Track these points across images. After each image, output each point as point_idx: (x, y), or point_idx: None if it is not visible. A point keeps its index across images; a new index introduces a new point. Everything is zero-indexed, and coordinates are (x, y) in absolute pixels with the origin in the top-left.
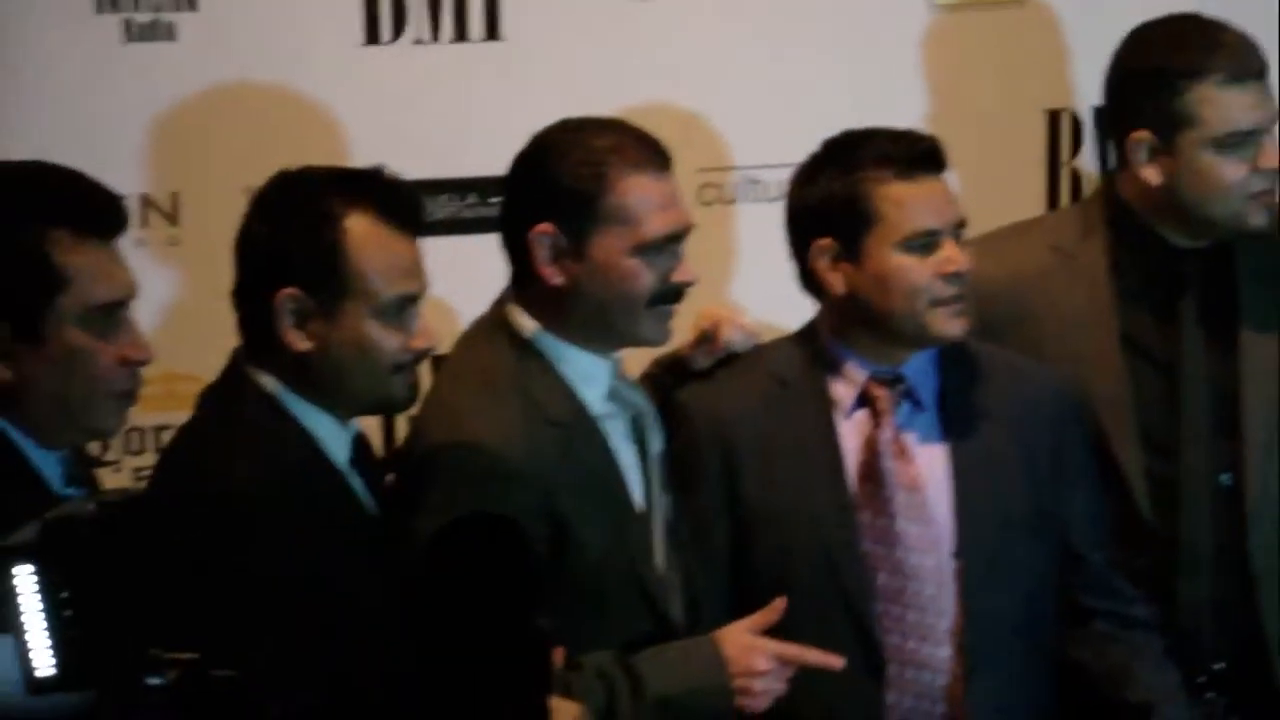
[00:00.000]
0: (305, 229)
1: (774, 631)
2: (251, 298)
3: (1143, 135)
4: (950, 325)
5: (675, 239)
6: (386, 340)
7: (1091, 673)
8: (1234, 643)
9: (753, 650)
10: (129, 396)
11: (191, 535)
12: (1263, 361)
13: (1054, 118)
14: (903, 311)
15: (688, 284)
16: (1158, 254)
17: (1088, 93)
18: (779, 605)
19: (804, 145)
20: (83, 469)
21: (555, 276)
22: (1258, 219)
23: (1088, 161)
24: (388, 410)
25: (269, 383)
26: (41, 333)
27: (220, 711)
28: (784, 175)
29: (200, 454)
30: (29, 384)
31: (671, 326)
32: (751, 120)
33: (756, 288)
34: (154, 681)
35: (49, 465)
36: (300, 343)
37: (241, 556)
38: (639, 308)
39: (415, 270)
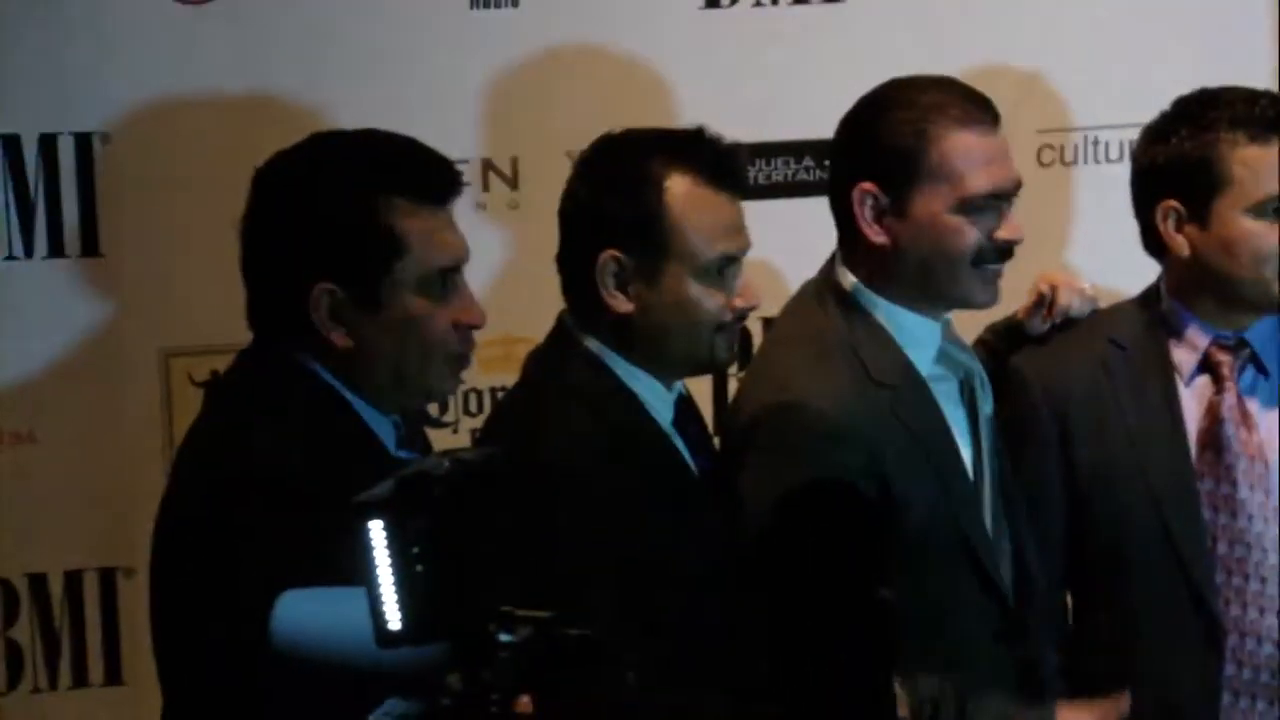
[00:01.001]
0: (625, 191)
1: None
2: (575, 261)
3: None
4: None
5: (1000, 196)
6: (707, 300)
7: None
8: None
9: None
10: (463, 359)
11: (526, 496)
12: None
13: None
14: (1251, 277)
15: (1014, 242)
16: None
17: None
18: (1123, 704)
19: (1146, 106)
20: (417, 431)
21: (878, 235)
22: None
23: None
24: (710, 370)
25: (593, 345)
26: (380, 299)
27: (573, 670)
28: (1126, 136)
29: (527, 416)
30: (367, 350)
31: (999, 288)
32: (1092, 80)
33: (1096, 251)
34: (506, 638)
35: (383, 428)
36: (622, 305)
37: (572, 517)
38: (962, 267)
39: (736, 230)
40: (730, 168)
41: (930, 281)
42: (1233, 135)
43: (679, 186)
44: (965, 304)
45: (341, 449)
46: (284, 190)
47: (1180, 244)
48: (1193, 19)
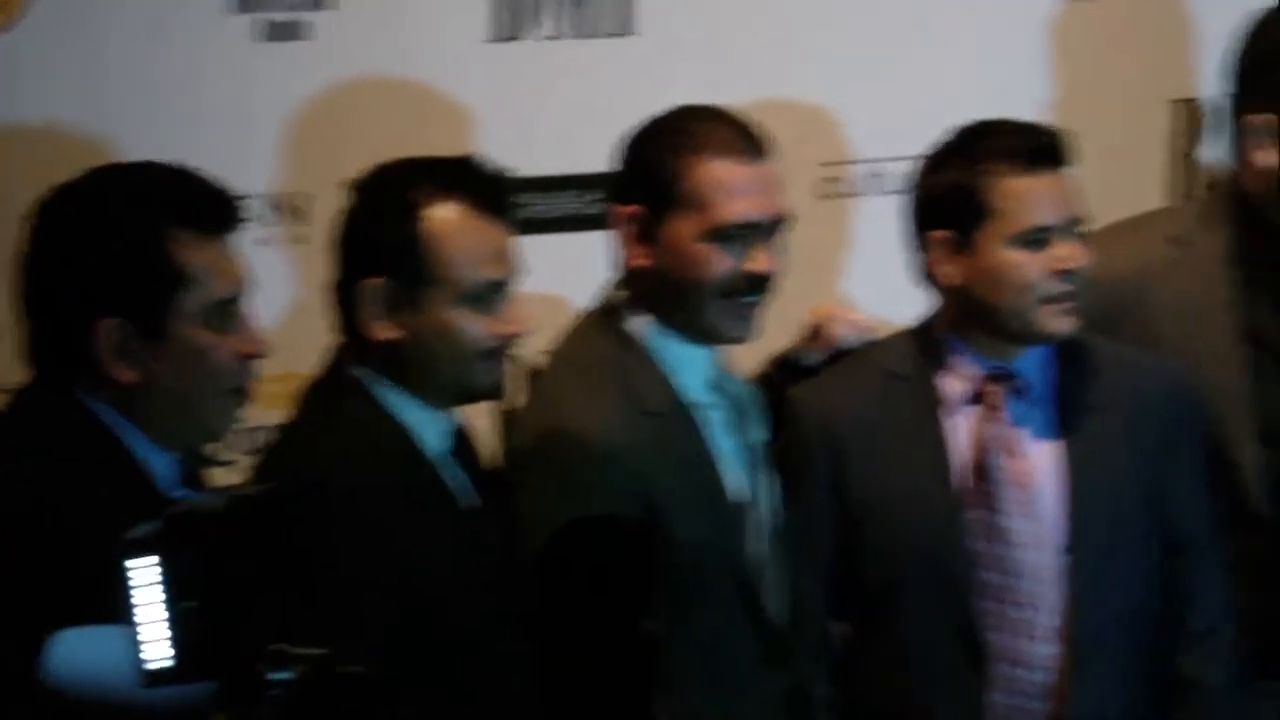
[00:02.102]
0: (387, 217)
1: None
2: (344, 289)
3: (1260, 119)
4: (1058, 323)
5: (754, 228)
6: (471, 327)
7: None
8: None
9: None
10: (243, 393)
11: (294, 531)
12: None
13: (1181, 108)
14: (1012, 307)
15: (764, 275)
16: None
17: (1214, 83)
18: None
19: (927, 137)
20: (198, 469)
21: (638, 258)
22: None
23: (1210, 154)
24: (476, 398)
25: (363, 375)
26: (165, 331)
27: (348, 708)
28: (906, 168)
29: (296, 450)
30: (152, 384)
31: (754, 321)
32: (874, 113)
33: (878, 283)
34: (278, 677)
35: (163, 465)
36: (387, 332)
37: (340, 551)
38: (710, 296)
39: (501, 256)
40: (496, 194)
41: (682, 308)
42: (997, 166)
43: (441, 212)
44: (714, 335)
45: (111, 488)
46: (66, 224)
47: (950, 274)
48: (973, 52)
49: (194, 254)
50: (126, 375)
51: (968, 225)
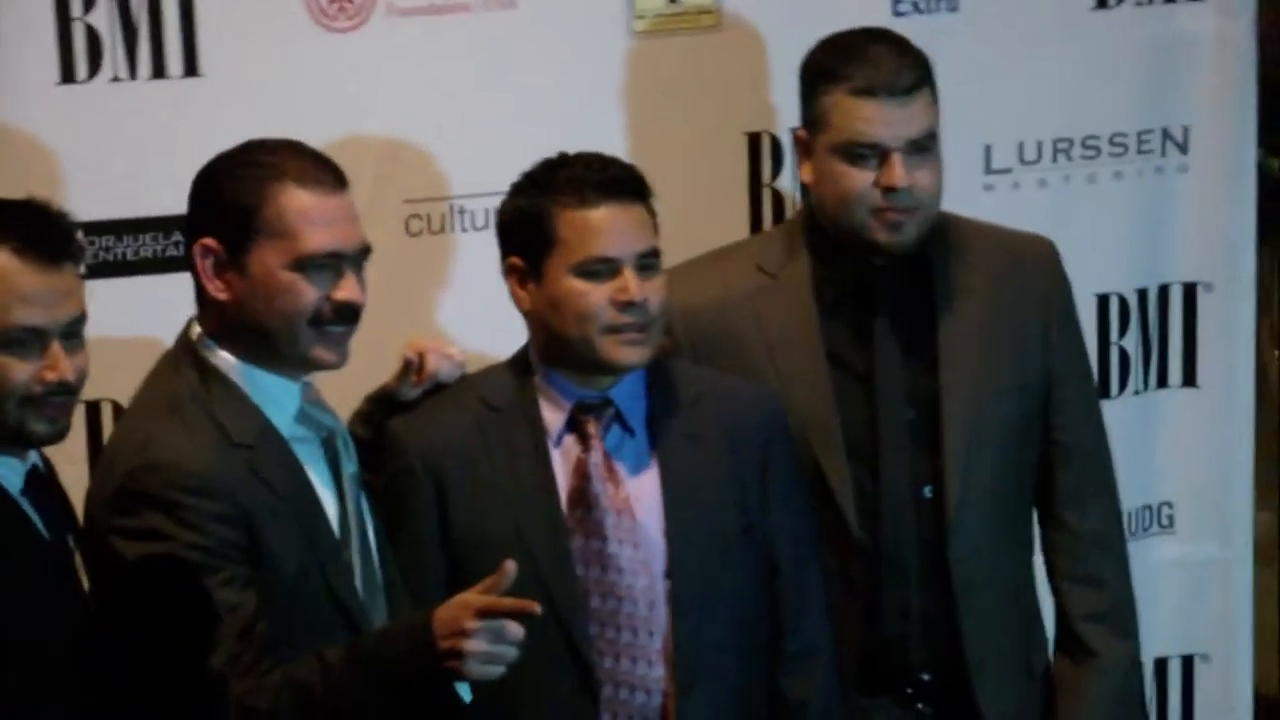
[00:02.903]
0: None
1: None
2: None
3: (801, 133)
4: (622, 353)
5: (338, 257)
6: (9, 372)
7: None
8: (940, 655)
9: (458, 608)
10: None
11: None
12: (961, 375)
13: (755, 140)
14: (576, 336)
15: (351, 303)
16: (852, 270)
17: (787, 115)
18: (508, 568)
19: (512, 173)
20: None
21: (220, 291)
22: (882, 235)
23: (789, 183)
24: (25, 443)
25: None
26: None
27: None
28: (492, 204)
29: None
30: None
31: (346, 349)
32: (459, 149)
33: (469, 317)
34: None
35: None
36: None
37: None
38: (299, 325)
39: (46, 302)
40: (49, 239)
41: (269, 338)
42: (564, 197)
43: None
44: (306, 364)
45: None
46: None
47: (523, 300)
48: (550, 89)
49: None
50: None
51: (536, 254)
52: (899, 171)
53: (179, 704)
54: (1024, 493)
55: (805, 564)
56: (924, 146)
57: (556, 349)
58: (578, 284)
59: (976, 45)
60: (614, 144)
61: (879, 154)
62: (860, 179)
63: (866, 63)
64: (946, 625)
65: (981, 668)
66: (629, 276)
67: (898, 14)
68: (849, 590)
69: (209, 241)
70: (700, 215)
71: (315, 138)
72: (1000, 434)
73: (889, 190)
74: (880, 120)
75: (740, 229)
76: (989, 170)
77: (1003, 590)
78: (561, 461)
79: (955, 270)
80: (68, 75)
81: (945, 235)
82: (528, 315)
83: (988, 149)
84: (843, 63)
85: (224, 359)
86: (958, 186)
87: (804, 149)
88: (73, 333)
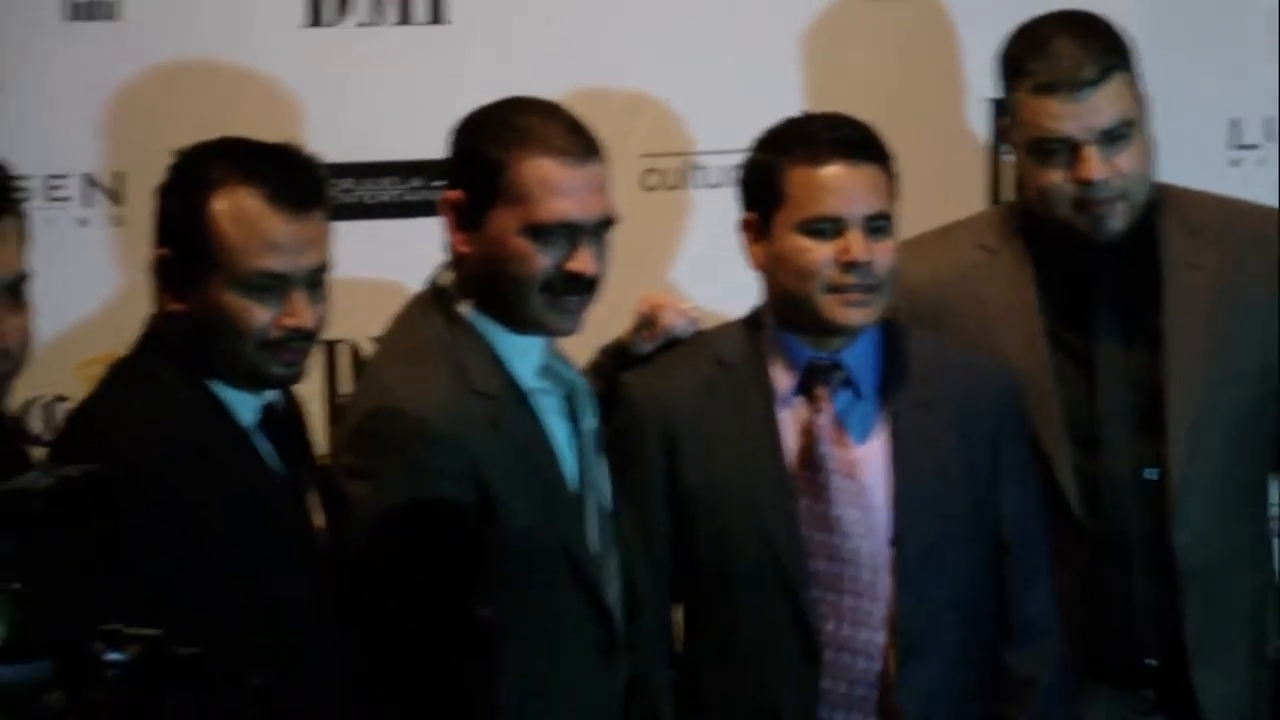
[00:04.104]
0: (182, 194)
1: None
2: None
3: (1004, 123)
4: (843, 313)
5: (573, 227)
6: (246, 314)
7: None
8: (1164, 641)
9: None
10: None
11: (121, 510)
12: (1187, 354)
13: (1000, 107)
14: (798, 293)
15: (582, 274)
16: (1071, 248)
17: None
18: None
19: (750, 132)
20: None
21: (462, 245)
22: (1086, 227)
23: None
24: (265, 384)
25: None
26: None
27: (184, 690)
28: (729, 162)
29: (98, 419)
30: None
31: (578, 317)
32: (699, 106)
33: (704, 274)
34: (113, 657)
35: None
36: (172, 305)
37: (153, 528)
38: (529, 290)
39: (291, 249)
40: (299, 187)
41: (502, 299)
42: (796, 154)
43: (232, 198)
44: (538, 327)
45: None
46: None
47: (755, 257)
48: (797, 45)
49: None
50: None
51: (768, 210)
52: (1093, 164)
53: (445, 650)
54: (1259, 476)
55: (1034, 542)
56: (1120, 134)
57: (786, 308)
58: (803, 241)
59: (1229, 19)
60: (855, 105)
61: (1069, 148)
62: (1055, 174)
63: (1049, 56)
64: (1170, 611)
65: (1203, 654)
66: (854, 237)
67: None
68: (1070, 573)
69: (455, 195)
70: (938, 180)
71: (556, 89)
72: (1230, 416)
73: (1084, 184)
74: (1066, 116)
75: (978, 195)
76: (1235, 145)
77: (1232, 575)
78: (790, 422)
79: (1182, 246)
80: (314, 19)
81: (1172, 210)
82: (760, 273)
83: (1234, 123)
84: (1027, 57)
85: (469, 309)
86: (1201, 160)
87: (1008, 140)
88: (315, 280)
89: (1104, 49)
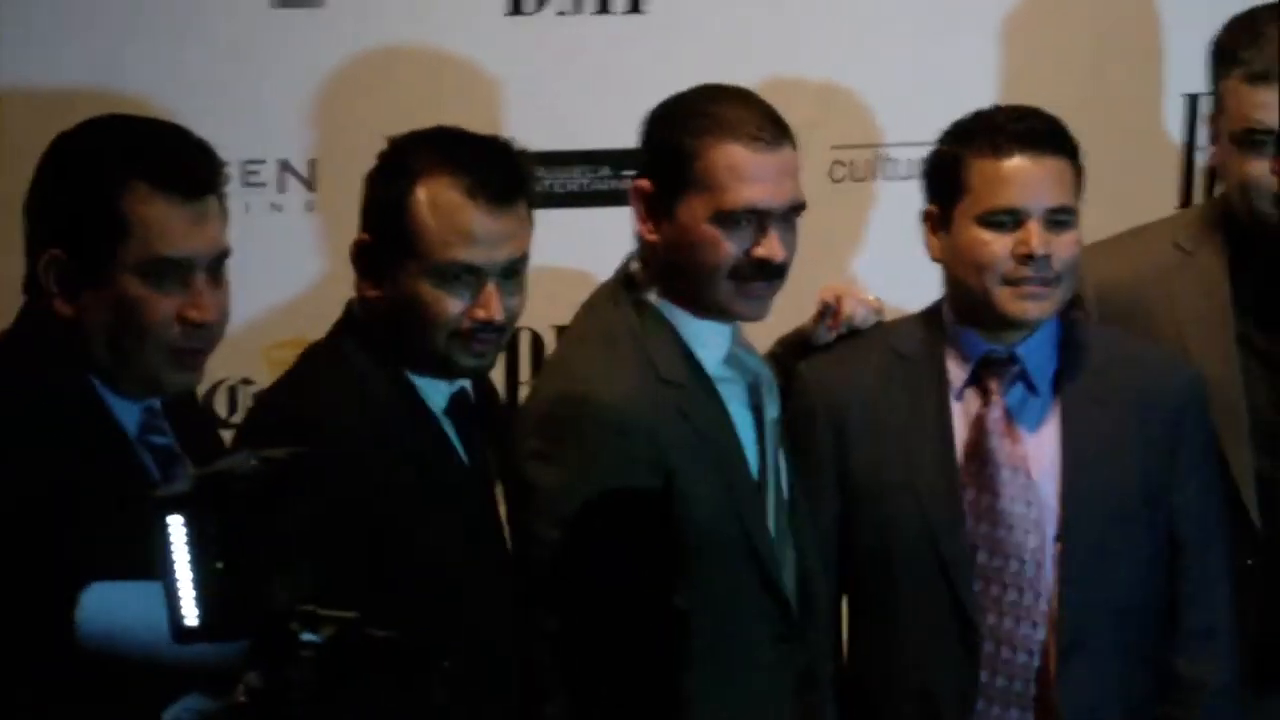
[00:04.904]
0: (383, 183)
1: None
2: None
3: (1212, 116)
4: (1018, 306)
5: (761, 214)
6: (440, 304)
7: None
8: None
9: None
10: (187, 354)
11: (318, 494)
12: None
13: (1193, 103)
14: (975, 285)
15: (770, 261)
16: (1269, 247)
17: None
18: None
19: (939, 123)
20: (176, 421)
21: (650, 234)
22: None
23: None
24: (454, 374)
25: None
26: (103, 276)
27: (378, 672)
28: (917, 154)
29: (294, 401)
30: (90, 326)
31: (766, 304)
32: (886, 98)
33: (887, 267)
34: (308, 638)
35: (127, 413)
36: (369, 292)
37: (347, 513)
38: (717, 277)
39: (486, 241)
40: (501, 178)
41: (691, 286)
42: (978, 145)
43: (434, 188)
44: (725, 314)
45: (82, 436)
46: (45, 162)
47: (934, 248)
48: (988, 42)
49: (145, 209)
50: (63, 309)
51: (949, 201)
52: None
53: (638, 638)
54: None
55: (1210, 541)
56: None
57: (964, 301)
58: (981, 233)
59: None
60: (1048, 99)
61: (1277, 140)
62: (1259, 167)
63: (1261, 45)
64: None
65: None
66: (1033, 229)
67: None
68: (1245, 579)
69: (644, 184)
70: (1130, 176)
71: (750, 78)
72: None
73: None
74: (1275, 107)
75: (1169, 192)
76: None
77: None
78: (962, 414)
79: None
80: (516, 7)
81: None
82: (941, 265)
83: None
84: (1241, 45)
85: (657, 298)
86: None
87: (1215, 131)
88: (512, 272)
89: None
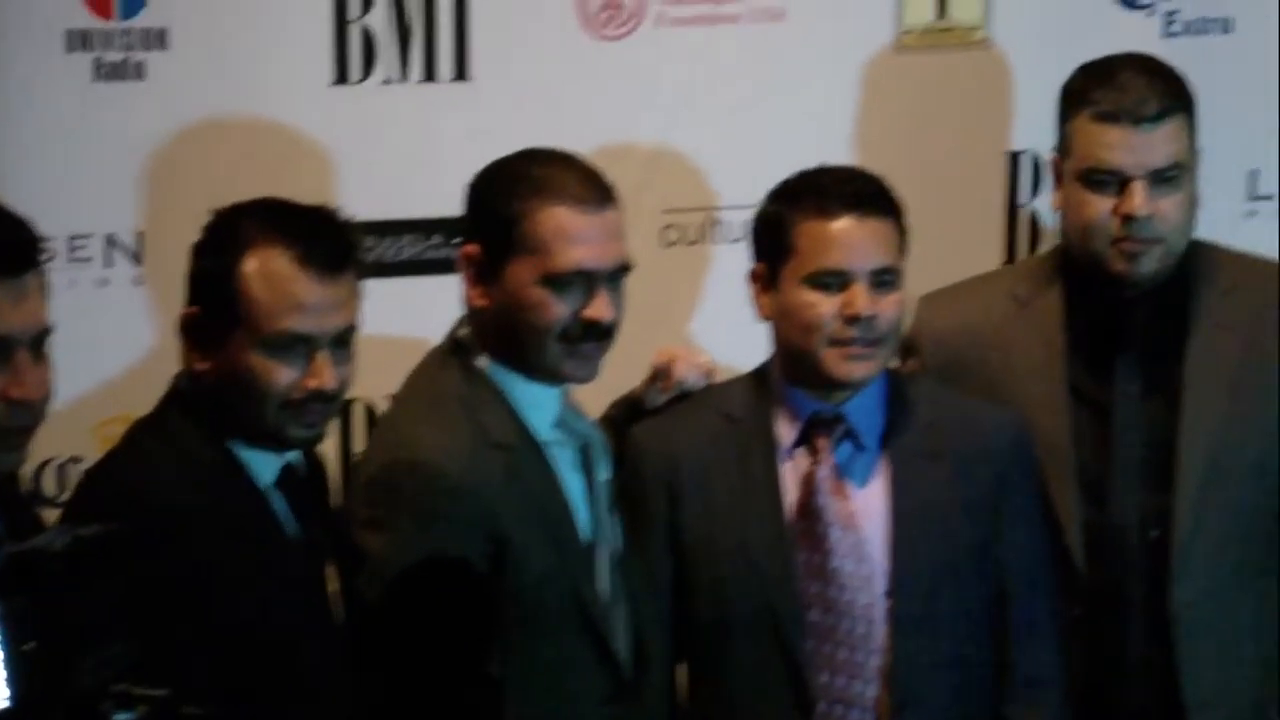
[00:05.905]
0: (213, 253)
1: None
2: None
3: (1054, 158)
4: (844, 367)
5: (589, 275)
6: (270, 374)
7: None
8: (1160, 698)
9: None
10: (11, 433)
11: (132, 570)
12: (1204, 412)
13: (1015, 160)
14: (801, 346)
15: (599, 322)
16: (1101, 302)
17: (1052, 136)
18: None
19: (770, 186)
20: (11, 501)
21: (479, 299)
22: (1119, 265)
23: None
24: (282, 445)
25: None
26: None
27: None
28: (748, 216)
29: (117, 477)
30: None
31: (595, 365)
32: (720, 161)
33: (722, 329)
34: (121, 717)
35: None
36: (199, 364)
37: (168, 587)
38: (547, 339)
39: (316, 310)
40: (330, 249)
41: (520, 350)
42: (804, 207)
43: (262, 258)
44: (555, 376)
45: None
46: None
47: (762, 307)
48: (813, 102)
49: None
50: None
51: (776, 261)
52: (1138, 200)
53: (453, 705)
54: (1268, 539)
55: (1037, 591)
56: (1169, 177)
57: (791, 361)
58: (808, 294)
59: (1247, 67)
60: (874, 158)
61: (1120, 181)
62: (1100, 206)
63: (1114, 88)
64: (1168, 668)
65: (1201, 712)
66: (859, 290)
67: (1169, 34)
68: (1073, 628)
69: (472, 249)
70: (955, 232)
71: (579, 144)
72: (1242, 476)
73: (1128, 219)
74: (1122, 146)
75: (994, 249)
76: (1253, 197)
77: (1232, 635)
78: (792, 473)
79: (1211, 303)
80: (341, 76)
81: (1202, 265)
82: (769, 324)
83: (1253, 174)
84: (1092, 86)
85: (486, 361)
86: (1220, 212)
87: (1057, 174)
88: (342, 341)
89: (1169, 90)
